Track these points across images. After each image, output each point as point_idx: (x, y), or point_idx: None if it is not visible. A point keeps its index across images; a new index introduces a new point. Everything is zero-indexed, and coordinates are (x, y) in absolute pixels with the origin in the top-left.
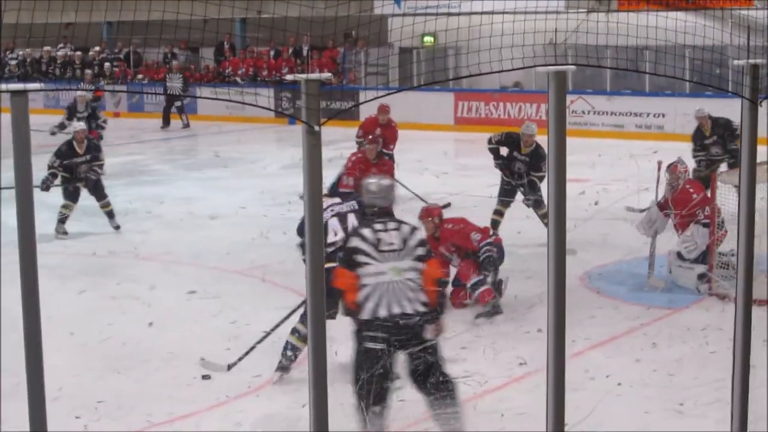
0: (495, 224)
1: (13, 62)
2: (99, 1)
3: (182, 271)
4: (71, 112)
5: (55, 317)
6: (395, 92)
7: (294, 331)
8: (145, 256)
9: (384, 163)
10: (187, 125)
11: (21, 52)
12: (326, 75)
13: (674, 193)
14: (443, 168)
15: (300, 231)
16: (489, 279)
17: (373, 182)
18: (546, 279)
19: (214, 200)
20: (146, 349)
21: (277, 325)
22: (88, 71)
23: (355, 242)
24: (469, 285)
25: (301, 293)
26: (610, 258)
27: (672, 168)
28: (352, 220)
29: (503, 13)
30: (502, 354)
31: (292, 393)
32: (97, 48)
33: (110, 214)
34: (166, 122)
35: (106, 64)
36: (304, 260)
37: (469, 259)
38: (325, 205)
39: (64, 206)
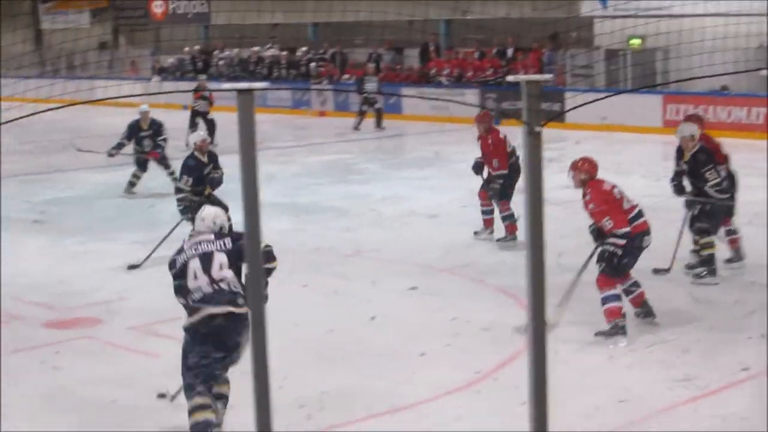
0: (711, 259)
1: (221, 62)
2: (306, 2)
3: (402, 269)
4: (132, 132)
5: (281, 310)
6: (611, 95)
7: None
8: (366, 253)
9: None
10: (380, 128)
11: (229, 53)
12: (547, 76)
13: None
14: (651, 171)
15: (171, 266)
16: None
17: None
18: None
19: (421, 199)
20: (368, 342)
21: None
22: (202, 76)
23: None
24: (602, 296)
25: (516, 296)
26: None
27: None
28: (221, 260)
29: (712, 15)
30: (723, 358)
31: (512, 390)
32: (304, 48)
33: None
34: (357, 125)
35: (312, 64)
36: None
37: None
38: (195, 240)
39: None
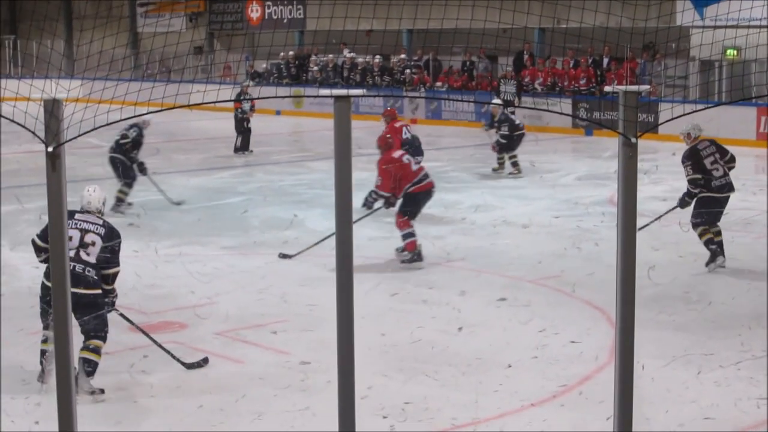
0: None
1: (316, 68)
2: (404, 8)
3: (492, 279)
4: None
5: (368, 318)
6: (707, 107)
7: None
8: (456, 263)
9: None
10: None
11: (324, 58)
12: (645, 87)
13: None
14: (744, 184)
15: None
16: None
17: None
18: None
19: (512, 209)
20: (454, 353)
21: None
22: (246, 83)
23: None
24: (402, 234)
25: (604, 310)
26: None
27: None
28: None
29: None
30: None
31: (597, 405)
32: (402, 56)
33: None
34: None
35: (406, 71)
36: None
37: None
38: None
39: None
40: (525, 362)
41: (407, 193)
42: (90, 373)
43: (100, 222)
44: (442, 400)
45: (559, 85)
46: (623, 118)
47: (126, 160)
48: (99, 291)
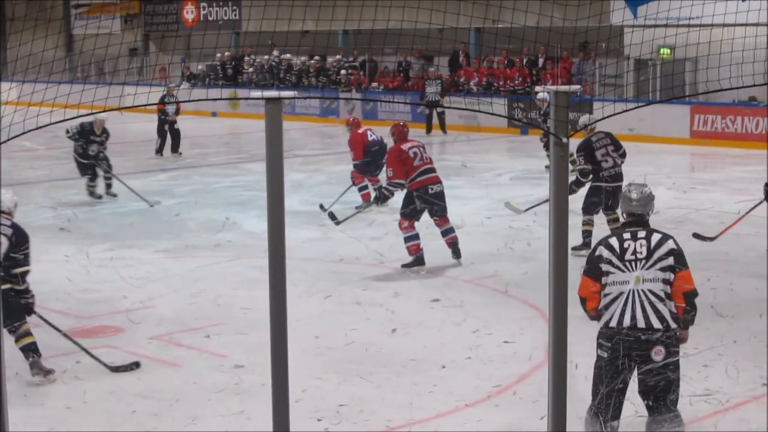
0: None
1: (250, 69)
2: (337, 9)
3: (426, 280)
4: (83, 134)
5: (302, 321)
6: (640, 106)
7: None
8: (390, 264)
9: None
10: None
11: (259, 59)
12: (575, 87)
13: None
14: (677, 182)
15: None
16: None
17: (633, 190)
18: None
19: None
20: (388, 354)
21: None
22: (172, 84)
23: (600, 251)
24: (404, 236)
25: (539, 308)
26: None
27: None
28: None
29: (744, 25)
30: (745, 373)
31: (532, 404)
32: (338, 56)
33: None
34: (429, 129)
35: (342, 72)
36: None
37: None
38: None
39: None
40: (459, 363)
41: (407, 191)
42: (36, 351)
43: (8, 223)
44: (376, 401)
45: (495, 84)
46: (554, 118)
47: (79, 158)
48: (8, 286)
